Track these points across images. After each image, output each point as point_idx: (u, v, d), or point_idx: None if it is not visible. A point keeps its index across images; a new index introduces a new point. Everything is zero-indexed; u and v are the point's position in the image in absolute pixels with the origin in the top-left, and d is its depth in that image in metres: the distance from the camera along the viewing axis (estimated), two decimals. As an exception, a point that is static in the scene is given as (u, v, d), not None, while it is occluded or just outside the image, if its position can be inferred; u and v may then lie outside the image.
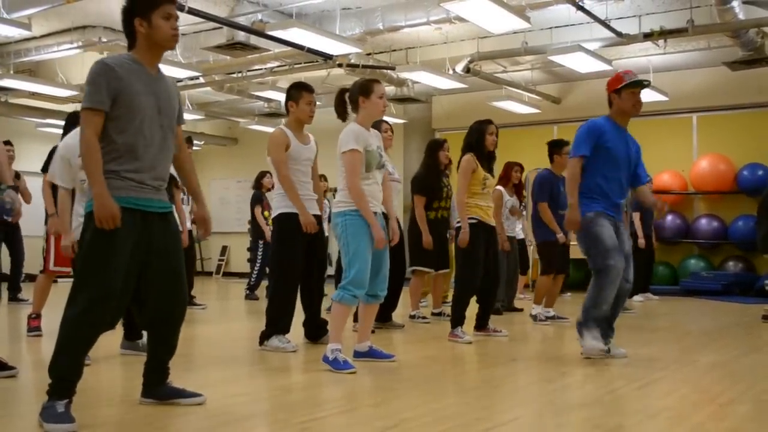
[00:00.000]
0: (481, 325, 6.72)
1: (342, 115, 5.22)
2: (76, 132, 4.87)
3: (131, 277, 3.52)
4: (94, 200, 3.40)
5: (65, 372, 3.39)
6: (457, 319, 6.41)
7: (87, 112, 3.44)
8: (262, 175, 10.90)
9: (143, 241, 3.54)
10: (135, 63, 3.57)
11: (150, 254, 3.58)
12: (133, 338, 5.51)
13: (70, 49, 10.92)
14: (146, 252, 3.56)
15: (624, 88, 5.43)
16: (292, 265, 5.79)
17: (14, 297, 9.62)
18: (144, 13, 3.55)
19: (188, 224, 8.42)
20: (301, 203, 5.69)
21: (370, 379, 4.70)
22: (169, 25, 3.59)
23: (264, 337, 5.79)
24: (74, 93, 12.73)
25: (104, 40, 10.70)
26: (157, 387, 3.82)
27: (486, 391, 4.49)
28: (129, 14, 3.59)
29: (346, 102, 5.19)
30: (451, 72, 11.85)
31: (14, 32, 9.34)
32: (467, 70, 11.69)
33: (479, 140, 6.49)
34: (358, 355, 5.16)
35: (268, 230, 10.51)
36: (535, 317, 7.87)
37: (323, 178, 9.74)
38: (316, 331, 6.11)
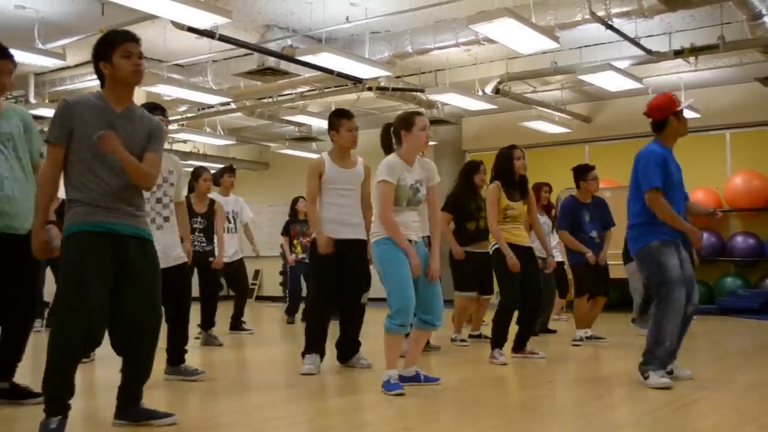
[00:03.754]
0: (519, 347, 6.67)
1: (388, 150, 5.26)
2: None
3: (106, 298, 3.67)
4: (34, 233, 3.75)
5: (56, 391, 3.59)
6: (497, 341, 6.37)
7: (47, 145, 3.77)
8: (296, 200, 10.95)
9: (116, 263, 3.71)
10: (100, 101, 3.81)
11: (122, 276, 3.73)
12: (176, 363, 5.55)
13: (104, 77, 11.04)
14: (118, 274, 3.72)
15: (681, 111, 5.34)
16: (323, 288, 5.84)
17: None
18: (106, 56, 3.79)
19: (233, 251, 8.54)
20: (319, 227, 5.79)
21: (408, 402, 4.67)
22: (131, 63, 3.79)
23: (303, 355, 5.86)
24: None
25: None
26: (129, 408, 3.88)
27: (523, 414, 4.46)
28: (95, 59, 3.83)
29: (390, 137, 5.23)
30: (480, 93, 11.85)
31: (49, 62, 9.48)
32: (496, 91, 11.68)
33: (508, 168, 6.47)
34: (404, 380, 5.10)
35: (290, 257, 10.83)
36: (577, 340, 7.80)
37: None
38: (346, 352, 6.11)
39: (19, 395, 4.52)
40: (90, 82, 11.30)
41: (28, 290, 4.53)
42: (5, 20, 9.35)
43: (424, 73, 12.23)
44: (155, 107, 5.34)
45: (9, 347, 4.53)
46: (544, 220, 8.97)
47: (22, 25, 9.33)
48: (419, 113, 5.24)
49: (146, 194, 4.67)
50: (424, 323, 5.10)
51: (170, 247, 5.41)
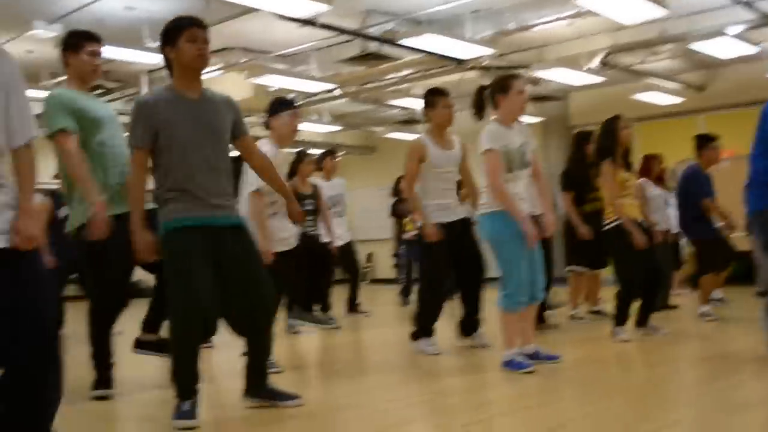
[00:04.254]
0: (642, 322, 6.48)
1: (479, 114, 5.15)
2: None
3: (214, 291, 3.73)
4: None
5: (182, 379, 3.74)
6: (620, 318, 6.21)
7: (132, 149, 3.79)
8: (399, 181, 10.93)
9: (217, 254, 3.76)
10: (172, 92, 3.80)
11: (225, 266, 3.78)
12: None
13: (211, 71, 11.29)
14: (221, 264, 3.77)
15: None
16: (436, 271, 5.80)
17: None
18: (172, 41, 3.80)
19: (341, 234, 8.59)
20: (425, 213, 5.73)
21: (528, 381, 4.61)
22: (195, 47, 3.78)
23: (414, 337, 5.87)
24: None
25: (243, 60, 11.04)
26: (257, 386, 4.02)
27: (648, 391, 4.32)
28: (162, 46, 3.84)
29: (484, 100, 5.13)
30: (586, 67, 11.57)
31: (160, 60, 9.73)
32: (603, 63, 11.39)
33: (614, 140, 6.26)
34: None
35: (406, 236, 10.66)
36: (703, 315, 7.53)
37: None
38: (468, 328, 6.06)
39: (165, 348, 4.64)
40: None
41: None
42: (116, 22, 9.62)
43: (527, 49, 12.01)
44: (284, 102, 5.45)
45: (156, 302, 4.62)
46: (658, 193, 8.70)
47: (132, 26, 9.59)
48: (515, 76, 5.12)
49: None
50: (529, 298, 5.00)
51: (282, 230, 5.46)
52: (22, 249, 2.58)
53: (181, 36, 3.77)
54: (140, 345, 4.61)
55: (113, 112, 4.60)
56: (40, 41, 9.69)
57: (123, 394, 4.47)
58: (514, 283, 4.80)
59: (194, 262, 3.67)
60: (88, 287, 4.52)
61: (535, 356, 5.08)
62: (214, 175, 3.80)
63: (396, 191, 11.09)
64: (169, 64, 3.85)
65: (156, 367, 4.99)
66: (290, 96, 12.78)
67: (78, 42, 4.46)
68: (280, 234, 5.36)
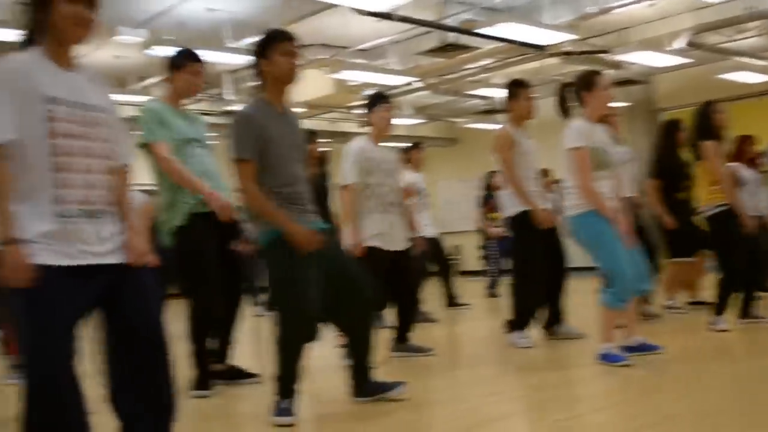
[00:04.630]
0: (746, 312, 6.31)
1: (565, 112, 5.11)
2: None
3: (320, 297, 3.78)
4: (288, 234, 3.72)
5: (285, 379, 3.80)
6: (720, 307, 6.03)
7: (238, 162, 3.80)
8: (490, 175, 10.84)
9: (318, 257, 3.79)
10: (266, 105, 3.89)
11: (325, 268, 3.84)
12: (403, 341, 5.67)
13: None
14: (322, 266, 3.82)
15: None
16: (534, 264, 5.77)
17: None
18: (266, 54, 3.84)
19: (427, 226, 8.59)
20: (533, 201, 5.68)
21: (626, 373, 4.53)
22: (289, 61, 3.84)
23: (508, 328, 5.87)
24: (299, 110, 13.31)
25: (321, 57, 11.14)
26: (362, 383, 4.08)
27: (752, 384, 4.20)
28: (255, 59, 3.91)
29: (567, 98, 5.08)
30: (670, 48, 11.30)
31: (241, 60, 9.91)
32: (688, 44, 11.09)
33: (710, 125, 6.10)
34: (629, 350, 4.93)
35: (494, 231, 10.62)
36: None
37: (545, 172, 9.63)
38: (552, 322, 6.04)
39: (236, 376, 4.82)
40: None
41: (234, 277, 4.75)
42: (198, 23, 9.84)
43: (607, 33, 11.80)
44: (380, 96, 5.58)
45: (222, 331, 4.77)
46: (751, 175, 8.43)
47: (214, 27, 9.79)
48: (599, 72, 5.05)
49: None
50: (636, 292, 4.93)
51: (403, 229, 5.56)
52: (135, 265, 2.70)
53: (275, 50, 3.84)
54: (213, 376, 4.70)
55: (200, 128, 4.76)
56: (126, 46, 9.95)
57: (218, 391, 4.58)
58: (619, 281, 4.71)
59: (300, 266, 3.73)
60: (185, 288, 4.67)
61: (638, 348, 5.00)
62: (303, 185, 3.92)
63: (488, 186, 10.93)
64: (261, 76, 3.93)
65: (249, 363, 5.09)
66: (374, 90, 12.88)
67: (182, 62, 4.66)
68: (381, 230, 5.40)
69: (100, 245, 2.62)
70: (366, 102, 5.57)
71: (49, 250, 2.50)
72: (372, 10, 8.22)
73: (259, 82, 3.94)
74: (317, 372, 5.19)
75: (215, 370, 4.71)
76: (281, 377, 3.80)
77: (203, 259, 4.48)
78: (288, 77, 3.87)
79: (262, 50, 3.88)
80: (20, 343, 2.55)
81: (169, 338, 2.72)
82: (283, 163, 3.83)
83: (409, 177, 8.51)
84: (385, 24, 9.38)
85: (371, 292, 4.01)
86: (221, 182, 4.59)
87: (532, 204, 5.68)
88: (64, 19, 2.59)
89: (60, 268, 2.51)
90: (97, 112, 2.67)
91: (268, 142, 3.78)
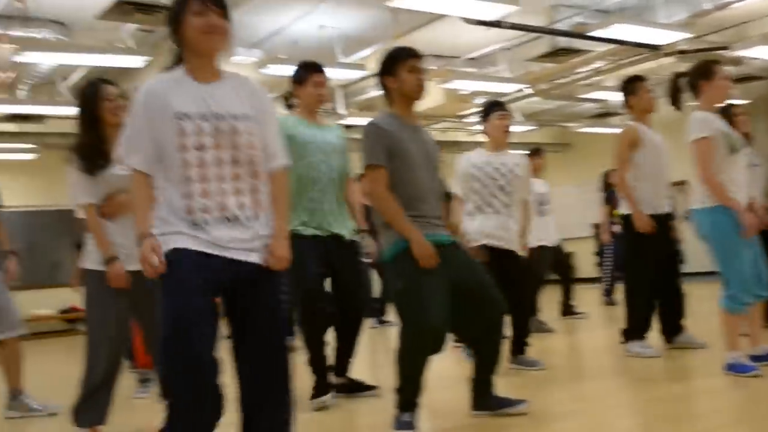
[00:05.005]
0: None
1: (677, 102, 4.97)
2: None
3: (448, 309, 3.73)
4: (411, 244, 3.70)
5: (407, 392, 3.80)
6: None
7: (370, 169, 3.84)
8: (607, 174, 10.61)
9: (445, 268, 3.76)
10: (396, 119, 3.90)
11: (453, 279, 3.79)
12: (518, 353, 5.62)
13: (403, 81, 11.50)
14: (449, 277, 3.77)
15: None
16: (643, 266, 5.63)
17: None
18: (393, 71, 3.88)
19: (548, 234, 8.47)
20: (636, 205, 5.53)
21: (757, 386, 4.35)
22: (416, 78, 3.87)
23: (625, 337, 5.75)
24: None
25: (434, 67, 11.18)
26: (484, 397, 4.03)
27: None
28: (381, 74, 3.95)
29: (680, 89, 4.95)
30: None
31: (353, 74, 10.06)
32: (813, 36, 10.63)
33: None
34: (756, 359, 4.75)
35: (614, 229, 10.28)
36: None
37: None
38: (671, 331, 5.86)
39: (356, 389, 4.87)
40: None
41: (354, 291, 4.81)
42: (311, 41, 10.02)
43: (726, 29, 11.43)
44: (494, 104, 5.61)
45: (343, 345, 4.85)
46: None
47: (325, 43, 9.96)
48: (717, 62, 4.91)
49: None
50: (755, 296, 4.73)
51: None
52: (273, 269, 2.78)
53: (401, 67, 3.89)
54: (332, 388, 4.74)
55: (332, 138, 4.87)
56: (242, 66, 10.23)
57: (338, 404, 4.64)
58: (737, 282, 4.55)
59: (427, 278, 3.72)
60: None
61: (766, 357, 4.83)
62: (433, 197, 3.93)
63: (606, 185, 10.70)
64: (387, 92, 3.99)
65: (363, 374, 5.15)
66: (486, 99, 12.85)
67: (303, 76, 4.86)
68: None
69: (236, 245, 2.71)
70: (480, 111, 5.56)
71: (182, 237, 2.66)
72: (482, 18, 8.20)
73: (386, 98, 3.99)
74: (433, 383, 5.21)
75: (334, 383, 4.77)
76: (402, 390, 3.80)
77: (305, 269, 4.49)
78: (416, 93, 3.92)
79: (388, 67, 3.93)
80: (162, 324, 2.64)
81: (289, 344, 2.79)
82: (414, 174, 3.86)
83: (537, 186, 8.45)
84: (494, 32, 9.35)
85: (502, 305, 3.96)
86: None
87: (635, 207, 5.54)
88: (195, 31, 2.72)
89: (191, 250, 2.65)
90: (236, 121, 2.74)
91: (400, 154, 3.82)
